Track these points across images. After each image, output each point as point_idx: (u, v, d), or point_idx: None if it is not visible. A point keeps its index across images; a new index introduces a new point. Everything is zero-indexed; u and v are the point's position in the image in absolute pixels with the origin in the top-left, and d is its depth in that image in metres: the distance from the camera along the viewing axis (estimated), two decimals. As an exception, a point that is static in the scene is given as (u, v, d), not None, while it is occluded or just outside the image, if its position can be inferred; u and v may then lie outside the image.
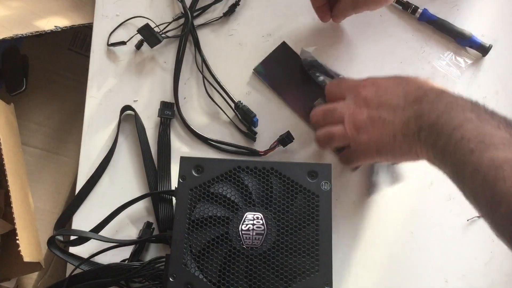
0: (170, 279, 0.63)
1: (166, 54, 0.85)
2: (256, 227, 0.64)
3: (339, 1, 0.77)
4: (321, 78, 0.79)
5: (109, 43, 0.86)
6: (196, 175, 0.67)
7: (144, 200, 0.77)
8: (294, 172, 0.66)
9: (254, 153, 0.79)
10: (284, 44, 0.84)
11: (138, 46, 0.85)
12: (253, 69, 0.83)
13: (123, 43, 0.85)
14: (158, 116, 0.81)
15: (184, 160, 0.68)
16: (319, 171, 0.66)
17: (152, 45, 0.83)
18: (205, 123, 0.82)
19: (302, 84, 0.82)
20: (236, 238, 0.64)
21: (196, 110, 0.83)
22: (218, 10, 0.87)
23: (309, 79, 0.81)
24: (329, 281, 0.62)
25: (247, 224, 0.64)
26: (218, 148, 0.80)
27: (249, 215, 0.64)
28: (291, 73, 0.83)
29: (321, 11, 0.81)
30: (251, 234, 0.64)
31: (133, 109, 0.81)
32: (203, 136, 0.80)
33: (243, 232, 0.64)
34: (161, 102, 0.81)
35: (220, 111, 0.81)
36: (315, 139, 0.73)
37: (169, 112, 0.81)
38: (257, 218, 0.64)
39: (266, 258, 0.63)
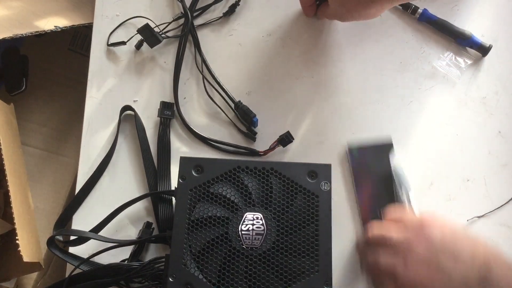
0: (170, 279, 0.63)
1: (166, 54, 0.85)
2: (256, 227, 0.64)
3: (327, 5, 0.77)
4: (401, 193, 0.76)
5: (109, 43, 0.85)
6: (196, 175, 0.67)
7: (143, 200, 0.77)
8: (294, 172, 0.66)
9: (254, 153, 0.79)
10: (388, 146, 0.79)
11: (138, 46, 0.85)
12: (348, 146, 0.79)
13: (123, 43, 0.85)
14: (158, 116, 0.81)
15: (184, 160, 0.68)
16: (318, 171, 0.66)
17: (152, 45, 0.83)
18: (205, 123, 0.82)
19: (381, 187, 0.77)
20: (235, 238, 0.64)
21: (196, 110, 0.83)
22: (218, 10, 0.87)
23: (390, 186, 0.77)
24: (329, 281, 0.62)
25: (246, 224, 0.64)
26: (218, 148, 0.80)
27: (248, 215, 0.64)
28: (377, 172, 0.78)
29: (308, 9, 0.83)
30: (250, 234, 0.64)
31: (133, 109, 0.81)
32: (203, 136, 0.80)
33: (242, 232, 0.64)
34: (161, 102, 0.81)
35: (220, 111, 0.81)
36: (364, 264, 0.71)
37: (169, 112, 0.81)
38: (257, 218, 0.64)
39: (265, 258, 0.63)
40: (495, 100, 0.81)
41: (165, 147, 0.80)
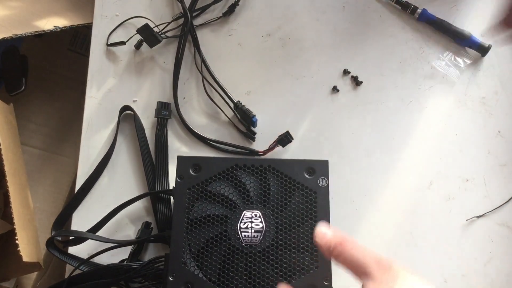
0: (170, 278, 0.63)
1: (166, 54, 0.86)
2: (255, 224, 0.64)
3: None
4: None
5: (109, 43, 0.86)
6: (193, 174, 0.67)
7: (143, 199, 0.77)
8: (292, 169, 0.66)
9: (253, 153, 0.79)
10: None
11: (138, 46, 0.85)
12: None
13: (122, 43, 0.85)
14: (155, 117, 0.81)
15: (181, 159, 0.68)
16: (316, 167, 0.66)
17: (151, 45, 0.83)
18: (204, 123, 0.82)
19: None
20: (234, 236, 0.64)
21: (196, 110, 0.83)
22: (218, 10, 0.87)
23: None
24: (328, 277, 0.62)
25: (245, 222, 0.64)
26: (217, 148, 0.80)
27: (247, 213, 0.64)
28: None
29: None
30: (249, 231, 0.63)
31: (132, 109, 0.81)
32: (202, 136, 0.80)
33: (241, 230, 0.64)
34: (158, 102, 0.81)
35: (219, 111, 0.81)
36: None
37: (166, 112, 0.81)
38: (255, 215, 0.64)
39: (265, 255, 0.63)
40: (495, 100, 0.81)
41: (163, 147, 0.80)
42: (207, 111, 0.82)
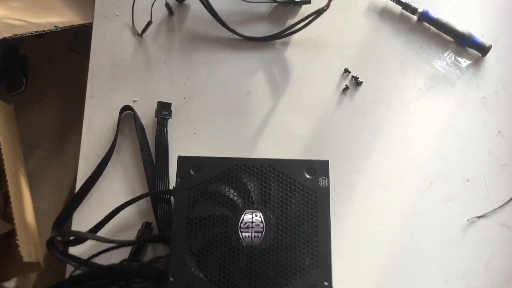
0: (171, 279, 0.63)
1: (167, 54, 0.85)
2: (255, 225, 0.64)
3: None
4: None
5: (139, 32, 0.86)
6: (194, 174, 0.67)
7: (143, 200, 0.77)
8: (292, 169, 0.66)
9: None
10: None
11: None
12: None
13: (149, 23, 0.85)
14: (155, 117, 0.81)
15: (181, 159, 0.68)
16: (317, 167, 0.66)
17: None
18: (205, 124, 0.82)
19: None
20: (235, 236, 0.63)
21: (197, 111, 0.82)
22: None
23: None
24: (329, 277, 0.62)
25: (246, 223, 0.64)
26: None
27: (247, 214, 0.64)
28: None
29: None
30: (250, 232, 0.63)
31: (132, 109, 0.81)
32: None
33: (242, 230, 0.64)
34: (158, 102, 0.81)
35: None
36: None
37: (166, 112, 0.81)
38: (256, 216, 0.64)
39: (265, 255, 0.63)
40: (495, 100, 0.81)
41: (163, 147, 0.79)
42: (209, 113, 0.82)
